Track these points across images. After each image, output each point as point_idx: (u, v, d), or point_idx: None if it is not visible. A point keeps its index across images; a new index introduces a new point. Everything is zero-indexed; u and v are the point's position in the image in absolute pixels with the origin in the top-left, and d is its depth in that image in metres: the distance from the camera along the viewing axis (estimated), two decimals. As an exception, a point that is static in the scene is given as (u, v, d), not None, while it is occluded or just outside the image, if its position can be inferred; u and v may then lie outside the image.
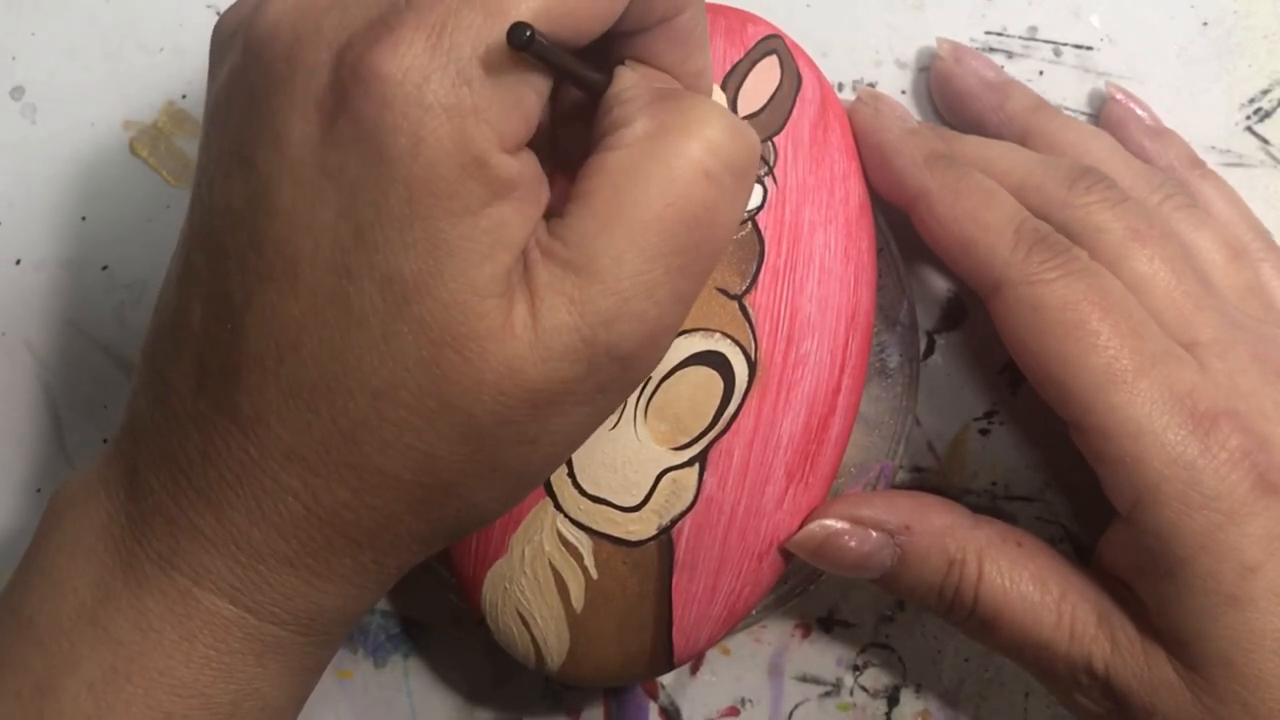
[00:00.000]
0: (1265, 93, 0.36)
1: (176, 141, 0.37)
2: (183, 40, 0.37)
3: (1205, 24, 0.36)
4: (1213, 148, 0.36)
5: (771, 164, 0.30)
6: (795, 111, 0.31)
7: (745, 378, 0.29)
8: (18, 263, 0.37)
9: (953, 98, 0.35)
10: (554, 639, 0.30)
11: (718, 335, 0.29)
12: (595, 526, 0.29)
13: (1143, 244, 0.29)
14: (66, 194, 0.37)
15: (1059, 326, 0.28)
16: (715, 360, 0.29)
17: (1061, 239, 0.29)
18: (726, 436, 0.29)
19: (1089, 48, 0.36)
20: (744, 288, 0.30)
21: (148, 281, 0.36)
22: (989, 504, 0.35)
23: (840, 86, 0.36)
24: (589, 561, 0.29)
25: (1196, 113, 0.36)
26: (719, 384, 0.29)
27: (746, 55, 0.31)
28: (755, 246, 0.30)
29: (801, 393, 0.30)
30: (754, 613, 0.32)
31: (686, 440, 0.29)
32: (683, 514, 0.29)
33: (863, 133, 0.32)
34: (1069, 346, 0.28)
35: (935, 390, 0.35)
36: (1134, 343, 0.28)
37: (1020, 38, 0.36)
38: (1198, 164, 0.34)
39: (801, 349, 0.30)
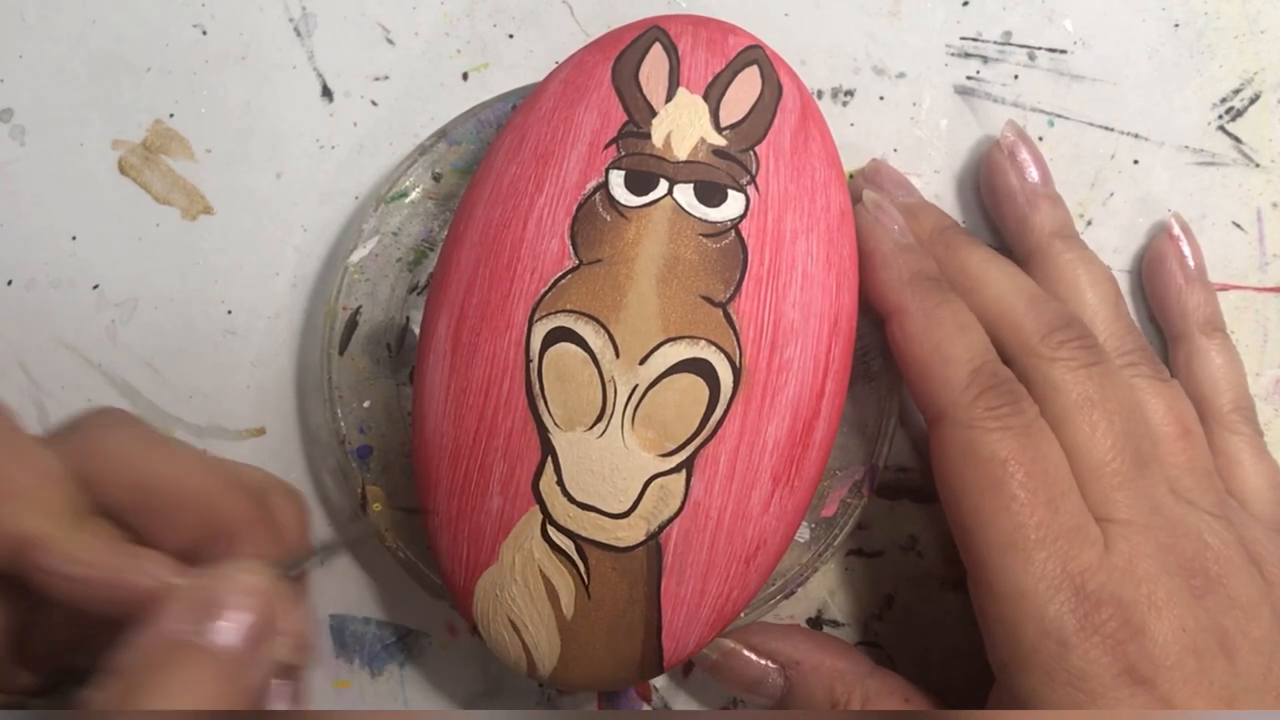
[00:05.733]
0: (1237, 92, 0.37)
1: (165, 160, 0.37)
2: (169, 59, 0.37)
3: (1176, 26, 0.37)
4: (1186, 147, 0.36)
5: (754, 173, 0.31)
6: (776, 121, 0.31)
7: (730, 384, 0.29)
8: (9, 283, 0.37)
9: (989, 190, 0.36)
10: (545, 645, 0.30)
11: (703, 343, 0.30)
12: (584, 533, 0.29)
13: (1090, 412, 0.30)
14: (56, 214, 0.37)
15: (982, 479, 0.29)
16: (701, 367, 0.29)
17: (1015, 389, 0.30)
18: (713, 442, 0.29)
19: (1063, 51, 0.37)
20: (728, 295, 0.30)
21: (138, 300, 0.37)
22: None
23: (820, 94, 0.37)
24: (579, 568, 0.30)
25: (1170, 113, 0.36)
26: (704, 391, 0.29)
27: (728, 66, 0.31)
28: (739, 255, 0.30)
29: (786, 398, 0.30)
30: (743, 615, 0.33)
31: (673, 447, 0.29)
32: (671, 519, 0.29)
33: (860, 237, 0.32)
34: (985, 501, 0.29)
35: (919, 392, 0.35)
36: (1045, 514, 0.28)
37: (995, 42, 0.37)
38: (1217, 325, 0.35)
39: (785, 355, 0.30)
